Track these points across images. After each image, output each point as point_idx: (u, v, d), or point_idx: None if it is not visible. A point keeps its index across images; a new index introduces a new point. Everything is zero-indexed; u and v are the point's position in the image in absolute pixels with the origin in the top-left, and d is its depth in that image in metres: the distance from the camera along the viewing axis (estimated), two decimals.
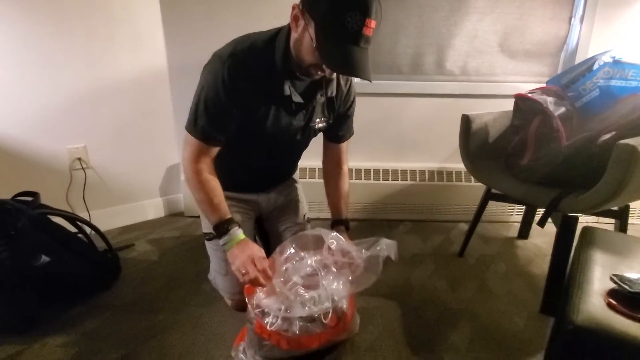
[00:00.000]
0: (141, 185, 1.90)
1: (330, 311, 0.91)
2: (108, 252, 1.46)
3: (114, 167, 1.79)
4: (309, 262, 0.97)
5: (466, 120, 1.47)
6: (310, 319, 0.90)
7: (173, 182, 1.98)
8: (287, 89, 0.95)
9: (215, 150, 1.00)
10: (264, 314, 0.91)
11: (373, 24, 0.79)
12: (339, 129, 1.17)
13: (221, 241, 0.99)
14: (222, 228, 0.98)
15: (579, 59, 1.80)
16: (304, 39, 0.85)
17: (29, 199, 1.26)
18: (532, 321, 1.25)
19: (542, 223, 1.23)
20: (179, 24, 1.73)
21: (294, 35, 0.89)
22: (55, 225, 1.23)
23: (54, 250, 1.16)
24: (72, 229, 1.37)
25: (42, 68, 1.53)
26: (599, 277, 0.86)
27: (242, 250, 0.95)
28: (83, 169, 1.69)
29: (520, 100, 1.37)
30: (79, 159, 1.67)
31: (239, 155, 1.09)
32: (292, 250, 0.99)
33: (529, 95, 1.33)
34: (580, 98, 1.39)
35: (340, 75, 1.05)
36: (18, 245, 1.10)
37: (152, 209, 1.96)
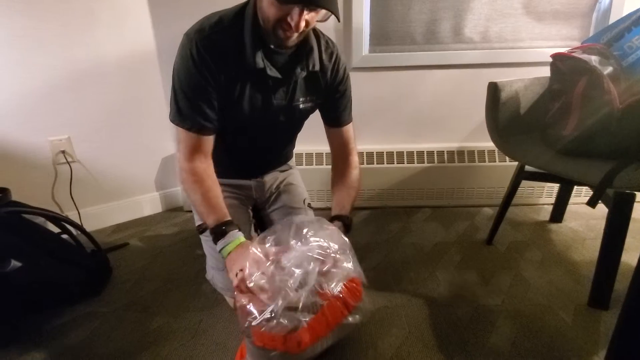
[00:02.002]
0: (135, 180, 1.75)
1: (318, 286, 0.75)
2: (96, 253, 1.31)
3: (103, 160, 1.64)
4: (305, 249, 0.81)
5: (494, 89, 1.28)
6: (309, 307, 0.75)
7: (170, 174, 1.83)
8: (260, 61, 0.84)
9: (209, 141, 0.91)
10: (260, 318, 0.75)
11: None
12: (334, 109, 1.02)
13: (218, 246, 0.85)
14: (219, 230, 0.85)
15: (612, 19, 1.61)
16: None
17: None
18: (581, 317, 1.08)
19: (593, 203, 1.04)
20: None
21: None
22: (30, 226, 1.09)
23: (27, 254, 1.01)
24: (56, 229, 1.23)
25: (12, 50, 1.37)
26: None
27: (239, 255, 0.81)
28: (68, 162, 1.54)
29: (560, 61, 1.18)
30: (63, 151, 1.52)
31: (222, 139, 0.97)
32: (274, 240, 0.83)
33: (572, 53, 1.14)
34: (626, 57, 1.20)
35: (323, 48, 0.93)
36: None
37: (149, 204, 1.81)
